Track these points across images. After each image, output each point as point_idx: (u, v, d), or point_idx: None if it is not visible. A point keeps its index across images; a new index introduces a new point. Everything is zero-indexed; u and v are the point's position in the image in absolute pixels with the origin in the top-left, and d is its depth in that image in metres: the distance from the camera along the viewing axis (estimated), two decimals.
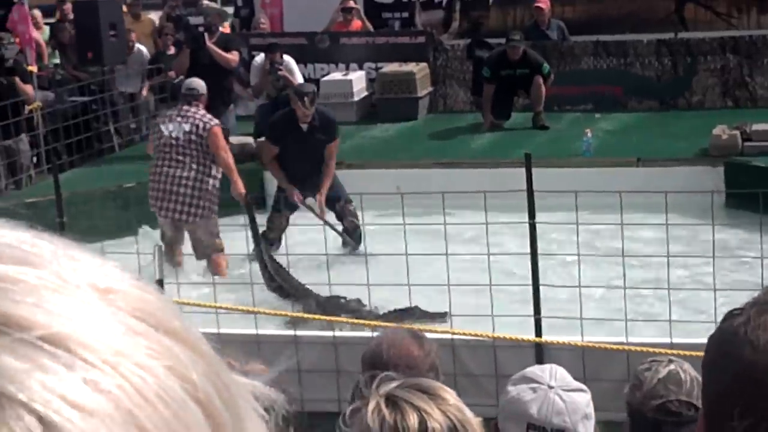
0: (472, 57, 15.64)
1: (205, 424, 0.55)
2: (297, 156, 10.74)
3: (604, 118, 14.69)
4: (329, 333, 7.86)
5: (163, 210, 10.32)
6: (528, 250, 7.68)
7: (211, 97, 11.24)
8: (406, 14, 17.37)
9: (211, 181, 10.33)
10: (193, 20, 16.45)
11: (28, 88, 13.93)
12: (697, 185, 10.01)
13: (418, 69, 15.54)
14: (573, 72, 15.39)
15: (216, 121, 10.58)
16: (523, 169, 7.66)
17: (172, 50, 16.40)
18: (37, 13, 17.05)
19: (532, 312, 7.64)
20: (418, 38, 16.34)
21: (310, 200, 10.93)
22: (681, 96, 15.30)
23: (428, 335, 4.07)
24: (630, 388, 3.55)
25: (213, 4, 16.71)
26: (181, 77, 13.11)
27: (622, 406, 3.64)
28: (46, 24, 17.94)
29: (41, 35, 16.88)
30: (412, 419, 2.26)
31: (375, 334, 5.02)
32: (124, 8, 16.67)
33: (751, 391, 1.28)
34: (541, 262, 7.83)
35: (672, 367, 3.52)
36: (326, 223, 10.24)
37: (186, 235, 10.50)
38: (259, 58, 14.16)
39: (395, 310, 8.77)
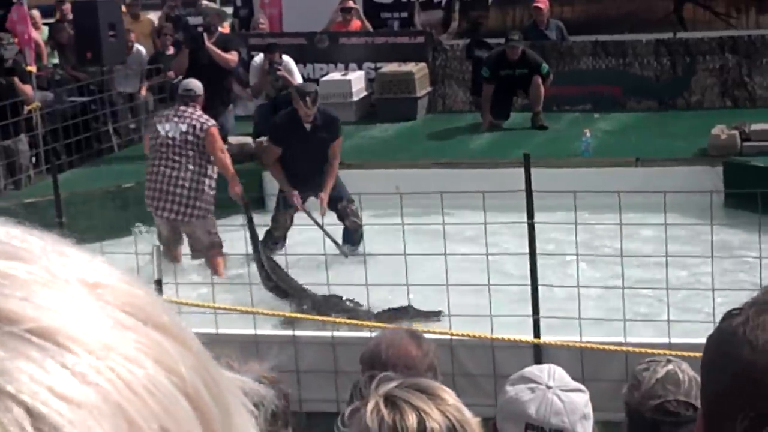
0: (471, 57, 15.64)
1: (194, 418, 0.55)
2: (300, 156, 10.66)
3: (603, 118, 14.68)
4: (327, 333, 7.86)
5: (159, 210, 10.32)
6: (527, 250, 7.68)
7: (210, 98, 11.24)
8: (405, 14, 17.36)
9: (207, 181, 10.33)
10: (192, 20, 16.46)
11: (27, 89, 13.91)
12: (696, 185, 10.01)
13: (417, 69, 15.54)
14: (572, 72, 15.39)
15: (213, 121, 10.56)
16: (522, 169, 7.65)
17: (171, 50, 16.38)
18: (36, 13, 17.03)
19: (530, 312, 7.64)
20: (417, 38, 16.34)
21: (310, 201, 10.90)
22: (680, 96, 15.30)
23: (427, 335, 4.06)
24: (628, 388, 3.55)
25: (212, 5, 16.67)
26: (180, 77, 13.10)
27: (620, 406, 3.63)
28: (45, 24, 17.92)
29: (40, 35, 16.87)
30: (411, 419, 2.26)
31: (373, 334, 5.01)
32: (123, 8, 16.66)
33: (750, 391, 1.28)
34: (540, 262, 7.82)
35: (670, 367, 3.51)
36: (323, 231, 10.18)
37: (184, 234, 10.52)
38: (258, 58, 14.15)
39: (389, 309, 8.78)
